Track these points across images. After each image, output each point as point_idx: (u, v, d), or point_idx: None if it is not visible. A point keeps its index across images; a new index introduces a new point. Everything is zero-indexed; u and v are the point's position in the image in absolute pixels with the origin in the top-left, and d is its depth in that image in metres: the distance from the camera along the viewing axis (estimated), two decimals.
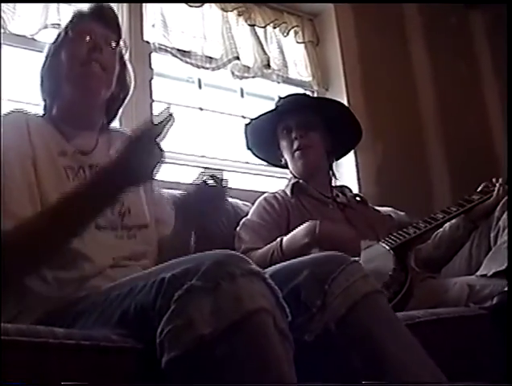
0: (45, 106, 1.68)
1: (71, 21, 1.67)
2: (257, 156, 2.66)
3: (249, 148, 2.62)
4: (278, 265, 1.38)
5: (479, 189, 2.38)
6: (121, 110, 1.80)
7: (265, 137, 2.55)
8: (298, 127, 2.43)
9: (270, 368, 0.99)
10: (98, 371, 1.08)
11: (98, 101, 1.66)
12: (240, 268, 1.06)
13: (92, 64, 1.59)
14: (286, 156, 2.49)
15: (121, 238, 1.52)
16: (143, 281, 1.15)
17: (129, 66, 1.77)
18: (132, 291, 1.16)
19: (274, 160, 2.61)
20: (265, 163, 2.76)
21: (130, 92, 1.79)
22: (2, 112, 1.57)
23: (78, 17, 1.68)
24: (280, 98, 2.63)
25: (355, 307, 1.27)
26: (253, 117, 2.61)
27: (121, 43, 1.72)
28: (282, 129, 2.48)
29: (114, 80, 1.67)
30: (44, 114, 1.68)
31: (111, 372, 1.09)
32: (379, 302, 1.33)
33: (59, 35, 1.68)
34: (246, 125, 2.59)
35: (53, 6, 2.61)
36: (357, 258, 1.95)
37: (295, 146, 2.42)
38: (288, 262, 1.41)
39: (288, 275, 1.30)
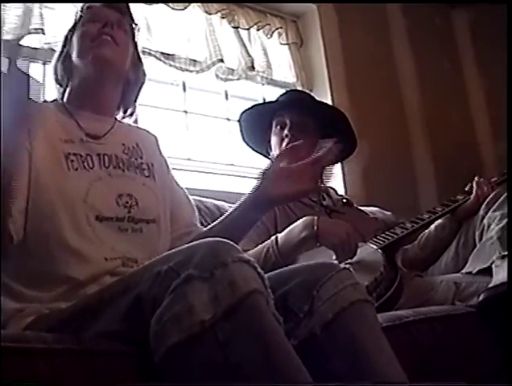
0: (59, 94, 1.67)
1: (81, 10, 1.66)
2: (248, 144, 2.63)
3: (242, 136, 2.61)
4: (269, 274, 1.39)
5: (466, 188, 2.41)
6: (137, 103, 1.77)
7: (258, 127, 2.53)
8: (291, 126, 2.39)
9: (271, 344, 1.02)
10: (88, 375, 1.07)
11: (112, 77, 1.63)
12: (231, 255, 1.07)
13: (103, 37, 1.57)
14: (274, 153, 2.48)
15: (125, 231, 1.48)
16: (138, 278, 1.15)
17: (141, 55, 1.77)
18: (128, 289, 1.16)
19: (264, 152, 2.59)
20: (250, 165, 2.74)
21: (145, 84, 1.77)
22: None
23: (88, 6, 1.66)
24: (283, 93, 2.61)
25: (342, 313, 1.27)
26: (247, 109, 2.60)
27: (134, 26, 1.71)
28: (276, 123, 2.45)
29: (129, 61, 1.66)
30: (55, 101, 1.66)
31: (101, 376, 1.09)
32: (366, 311, 1.33)
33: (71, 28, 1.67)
34: (243, 112, 2.58)
35: (36, 11, 2.60)
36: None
37: (283, 144, 2.39)
38: (278, 271, 1.41)
39: (278, 282, 1.30)
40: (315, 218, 2.04)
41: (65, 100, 1.64)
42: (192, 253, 1.08)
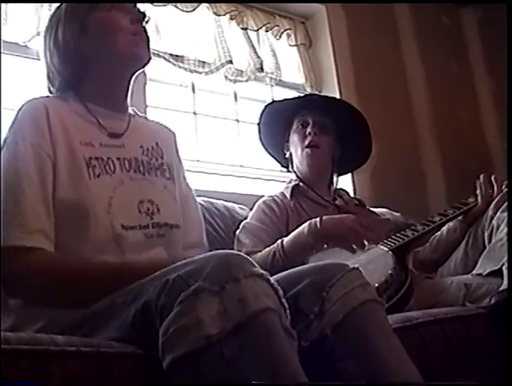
0: (65, 84, 1.57)
1: None
2: (263, 144, 2.64)
3: (259, 129, 2.61)
4: (278, 275, 1.39)
5: (477, 191, 2.40)
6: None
7: (278, 125, 2.56)
8: (314, 124, 2.44)
9: (279, 366, 1.00)
10: (99, 378, 1.07)
11: (136, 74, 1.60)
12: (243, 270, 1.06)
13: (143, 36, 1.56)
14: (294, 151, 2.49)
15: (151, 237, 1.47)
16: (149, 286, 1.14)
17: None
18: (138, 295, 1.16)
19: (278, 153, 2.61)
20: (260, 167, 2.73)
21: None
22: (19, 105, 1.48)
23: None
24: (306, 95, 2.64)
25: (352, 314, 1.27)
26: (270, 102, 2.64)
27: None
28: (298, 122, 2.48)
29: None
30: (59, 94, 1.58)
31: (112, 379, 1.09)
32: (376, 311, 1.33)
33: (70, 7, 1.58)
34: (266, 105, 2.59)
35: (45, 13, 2.61)
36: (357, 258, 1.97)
37: (306, 142, 2.42)
38: (288, 271, 1.41)
39: (288, 284, 1.30)
40: (318, 218, 2.04)
41: (82, 92, 1.57)
42: (204, 264, 1.07)
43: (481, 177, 2.42)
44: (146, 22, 1.58)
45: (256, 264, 1.11)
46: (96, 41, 1.54)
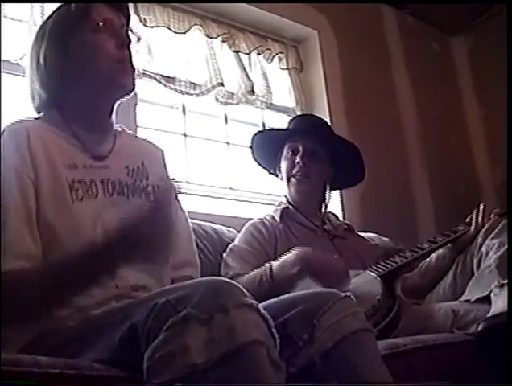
0: (47, 104, 1.55)
1: (76, 6, 1.53)
2: (257, 162, 2.64)
3: (253, 154, 2.62)
4: (269, 301, 1.38)
5: (467, 219, 2.41)
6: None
7: (270, 148, 2.55)
8: (304, 153, 2.42)
9: None
10: None
11: (118, 101, 1.56)
12: (233, 299, 1.05)
13: (127, 65, 1.51)
14: (284, 177, 2.49)
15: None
16: (137, 308, 1.13)
17: None
18: (126, 317, 1.14)
19: (273, 171, 2.61)
20: (249, 189, 2.73)
21: None
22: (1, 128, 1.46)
23: (84, 3, 1.53)
24: (294, 117, 2.65)
25: (342, 342, 1.27)
26: (260, 131, 2.67)
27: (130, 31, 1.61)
28: (288, 148, 2.48)
29: None
30: (42, 115, 1.56)
31: None
32: (366, 340, 1.32)
33: (62, 18, 1.54)
34: (254, 135, 2.60)
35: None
36: (347, 288, 1.96)
37: (294, 171, 2.42)
38: (279, 298, 1.41)
39: (278, 311, 1.29)
40: (309, 251, 2.03)
41: (65, 114, 1.53)
42: (193, 291, 1.06)
43: (481, 206, 2.42)
44: (138, 40, 1.56)
45: (246, 294, 1.10)
46: (78, 64, 1.50)
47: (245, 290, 1.11)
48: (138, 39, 1.58)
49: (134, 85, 1.53)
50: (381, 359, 1.32)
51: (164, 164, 1.72)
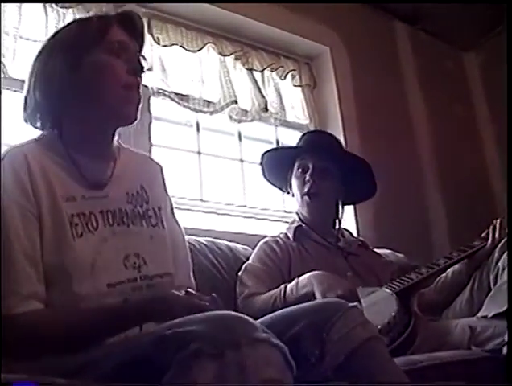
0: (47, 123, 1.50)
1: (92, 24, 1.50)
2: (268, 180, 2.65)
3: (263, 172, 2.63)
4: (277, 313, 1.37)
5: (482, 235, 2.39)
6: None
7: (280, 166, 2.56)
8: (313, 171, 2.43)
9: None
10: None
11: (118, 129, 1.53)
12: (245, 335, 1.02)
13: (135, 95, 1.47)
14: (296, 195, 2.49)
15: (139, 289, 1.41)
16: (144, 338, 1.12)
17: None
18: (133, 347, 1.14)
19: (284, 188, 2.61)
20: (263, 207, 2.73)
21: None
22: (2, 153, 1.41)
23: (102, 22, 1.50)
24: (304, 134, 2.65)
25: (353, 354, 1.27)
26: (269, 149, 2.65)
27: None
28: (298, 166, 2.48)
29: None
30: (40, 136, 1.50)
31: None
32: (377, 348, 1.32)
33: (77, 35, 1.49)
34: (264, 153, 2.60)
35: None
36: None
37: (305, 189, 2.43)
38: (286, 310, 1.40)
39: (287, 323, 1.29)
40: (320, 275, 2.02)
41: (65, 138, 1.48)
42: (204, 325, 1.04)
43: (497, 220, 2.41)
44: (148, 70, 1.51)
45: (259, 327, 1.07)
46: (85, 83, 1.45)
47: (257, 323, 1.08)
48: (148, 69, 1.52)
49: (136, 116, 1.48)
50: (393, 363, 1.32)
51: (163, 179, 1.68)
